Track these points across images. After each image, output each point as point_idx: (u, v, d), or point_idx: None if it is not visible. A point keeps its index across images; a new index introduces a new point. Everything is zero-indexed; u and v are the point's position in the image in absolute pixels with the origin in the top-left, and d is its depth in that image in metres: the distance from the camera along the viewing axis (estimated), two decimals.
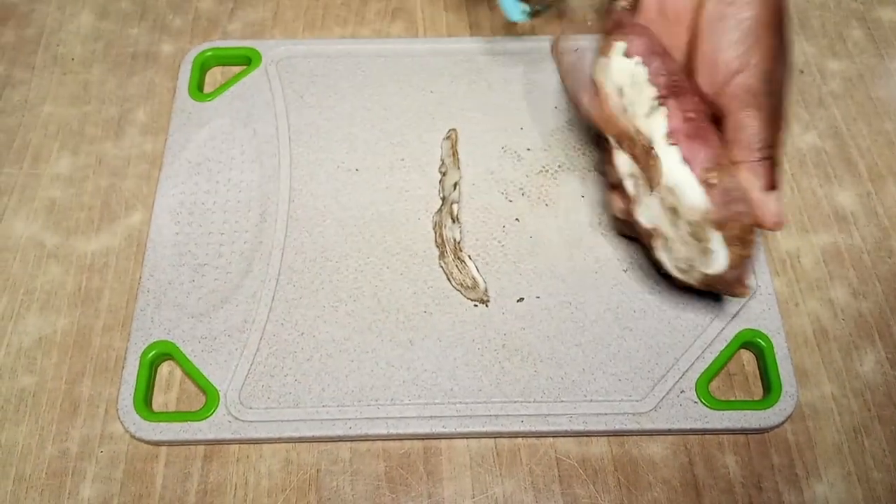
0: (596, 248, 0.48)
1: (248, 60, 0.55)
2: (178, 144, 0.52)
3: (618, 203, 0.44)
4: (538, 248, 0.48)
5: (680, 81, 0.40)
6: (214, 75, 0.56)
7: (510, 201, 0.49)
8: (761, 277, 0.46)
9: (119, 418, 0.43)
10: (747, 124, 0.39)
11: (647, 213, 0.42)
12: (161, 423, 0.42)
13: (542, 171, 0.50)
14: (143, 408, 0.43)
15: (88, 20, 0.58)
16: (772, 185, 0.39)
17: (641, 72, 0.40)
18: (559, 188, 0.50)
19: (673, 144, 0.39)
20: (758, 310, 0.45)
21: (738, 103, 0.39)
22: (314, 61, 0.55)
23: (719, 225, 0.39)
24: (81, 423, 0.43)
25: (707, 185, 0.39)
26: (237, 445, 0.43)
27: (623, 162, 0.42)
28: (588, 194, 0.50)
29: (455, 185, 0.49)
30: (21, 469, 0.42)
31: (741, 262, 0.40)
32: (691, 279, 0.42)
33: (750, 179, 0.39)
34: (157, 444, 0.42)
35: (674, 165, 0.39)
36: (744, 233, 0.39)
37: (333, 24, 0.58)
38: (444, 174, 0.50)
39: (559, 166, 0.51)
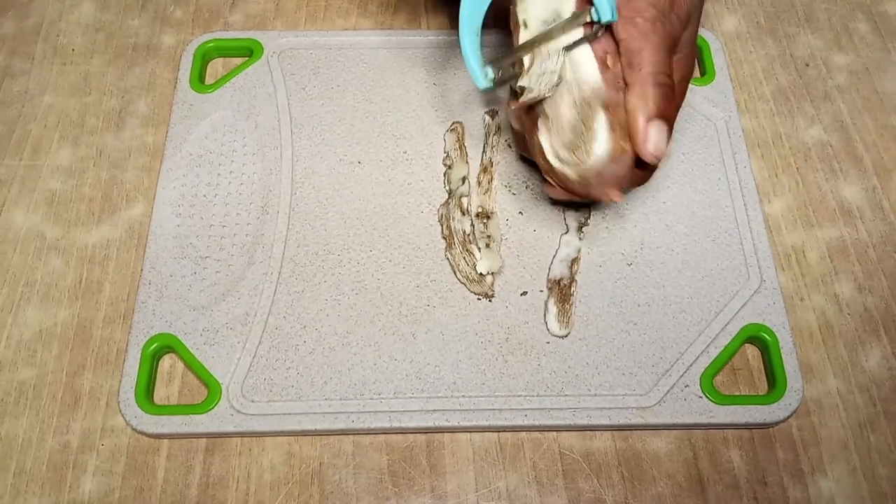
0: (600, 242, 0.47)
1: (249, 52, 0.55)
2: (180, 136, 0.51)
3: (514, 117, 0.44)
4: (542, 242, 0.47)
5: None
6: (216, 67, 0.55)
7: (514, 195, 0.49)
8: (766, 272, 0.46)
9: (120, 411, 0.42)
10: (641, 48, 0.39)
11: (537, 82, 0.40)
12: (162, 416, 0.42)
13: None
14: (145, 401, 0.42)
15: (89, 11, 0.58)
16: (658, 114, 0.39)
17: None
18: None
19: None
20: (763, 304, 0.45)
21: (632, 28, 0.39)
22: (316, 53, 0.55)
23: (606, 105, 0.39)
24: (82, 416, 0.43)
25: (603, 64, 0.39)
26: (239, 439, 0.42)
27: (524, 38, 0.42)
28: None
29: (463, 178, 0.49)
30: (21, 462, 0.42)
31: (620, 156, 0.40)
32: (569, 170, 0.41)
33: (636, 104, 0.39)
34: (159, 437, 0.42)
35: (575, 37, 0.40)
36: (629, 126, 0.39)
37: (335, 15, 0.57)
38: (448, 167, 0.50)
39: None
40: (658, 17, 0.39)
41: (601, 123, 0.39)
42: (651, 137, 0.39)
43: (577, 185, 0.41)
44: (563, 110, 0.40)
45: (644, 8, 0.39)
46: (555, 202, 0.49)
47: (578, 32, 0.40)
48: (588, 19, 0.40)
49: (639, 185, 0.43)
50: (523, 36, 0.41)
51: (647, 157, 0.40)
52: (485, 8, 0.43)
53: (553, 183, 0.43)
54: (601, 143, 0.40)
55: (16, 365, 0.44)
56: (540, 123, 0.41)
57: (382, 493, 0.41)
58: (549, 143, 0.41)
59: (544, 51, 0.40)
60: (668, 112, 0.40)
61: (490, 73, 0.42)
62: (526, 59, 0.41)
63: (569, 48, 0.40)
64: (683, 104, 0.43)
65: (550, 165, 0.41)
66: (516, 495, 0.41)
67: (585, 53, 0.40)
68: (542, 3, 0.41)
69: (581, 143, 0.40)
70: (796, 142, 0.52)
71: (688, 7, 0.41)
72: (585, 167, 0.40)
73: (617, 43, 0.40)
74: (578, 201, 0.46)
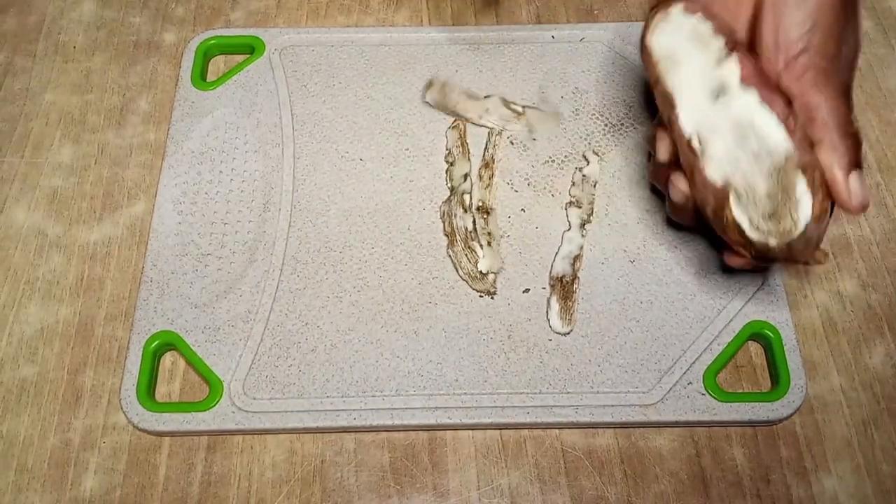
0: (603, 239, 0.47)
1: (251, 49, 0.55)
2: (181, 133, 0.51)
3: (680, 183, 0.41)
4: (544, 239, 0.47)
5: (742, 40, 0.39)
6: (217, 64, 0.55)
7: (516, 192, 0.49)
8: (770, 269, 0.46)
9: (122, 409, 0.42)
10: (820, 102, 0.38)
11: (719, 168, 0.39)
12: (164, 414, 0.42)
13: (548, 162, 0.50)
14: (146, 398, 0.42)
15: (90, 8, 0.58)
16: (855, 163, 0.38)
17: (705, 27, 0.39)
18: (565, 178, 0.49)
19: (749, 86, 0.38)
20: (766, 301, 0.45)
21: (806, 82, 0.38)
22: (318, 50, 0.55)
23: (803, 167, 0.37)
24: (84, 414, 0.43)
25: (788, 128, 0.38)
26: (241, 436, 0.42)
27: (687, 117, 0.40)
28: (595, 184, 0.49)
29: (465, 175, 0.49)
30: (23, 460, 0.42)
31: (824, 214, 0.38)
32: (772, 240, 0.39)
33: (831, 159, 0.38)
34: (160, 434, 0.42)
35: (753, 107, 0.38)
36: (829, 182, 0.38)
37: (337, 12, 0.57)
38: (451, 164, 0.50)
39: (565, 157, 0.50)
40: (829, 67, 0.38)
41: (802, 189, 0.38)
42: (853, 189, 0.38)
43: (778, 253, 0.40)
44: (757, 181, 0.39)
45: (814, 61, 0.38)
46: (728, 269, 0.46)
47: (733, 70, 0.39)
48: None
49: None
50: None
51: (854, 211, 0.39)
52: None
53: (744, 254, 0.40)
54: (806, 208, 0.38)
55: (17, 363, 0.44)
56: (732, 199, 0.39)
57: (384, 491, 0.41)
58: (748, 216, 0.39)
59: (710, 150, 0.39)
60: (860, 160, 0.39)
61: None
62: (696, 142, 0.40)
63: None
64: None
65: (749, 239, 0.39)
66: (518, 493, 0.41)
67: (766, 119, 0.38)
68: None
69: (786, 212, 0.38)
70: None
71: (853, 51, 0.40)
72: (793, 236, 0.39)
73: (787, 101, 0.39)
74: (763, 266, 0.45)
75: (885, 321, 0.46)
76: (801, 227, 0.38)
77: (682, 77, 0.40)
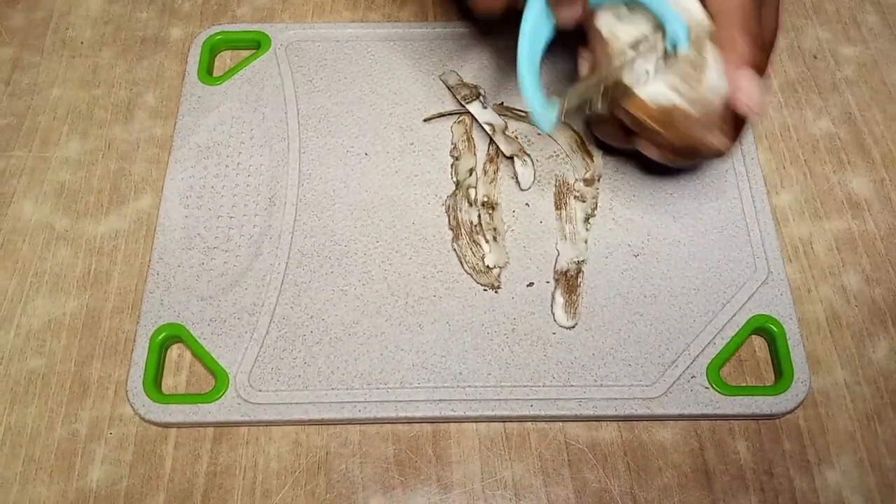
0: (607, 233, 0.47)
1: (257, 44, 0.55)
2: (188, 128, 0.51)
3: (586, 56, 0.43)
4: (548, 233, 0.47)
5: None
6: (224, 59, 0.56)
7: (521, 186, 0.49)
8: (773, 263, 0.46)
9: (128, 400, 0.43)
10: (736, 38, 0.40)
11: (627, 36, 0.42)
12: (170, 406, 0.42)
13: (552, 156, 0.50)
14: (153, 390, 0.43)
15: (98, 4, 0.58)
16: (747, 62, 0.39)
17: None
18: (569, 172, 0.49)
19: None
20: (770, 296, 0.45)
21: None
22: (324, 45, 0.55)
23: (713, 37, 0.40)
24: (90, 405, 0.43)
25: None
26: (246, 428, 0.43)
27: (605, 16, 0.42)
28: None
29: (471, 170, 0.49)
30: (30, 451, 0.42)
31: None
32: (678, 100, 0.41)
33: (729, 55, 0.39)
34: (167, 426, 0.42)
35: None
36: None
37: (343, 8, 0.58)
38: (456, 158, 0.50)
39: (569, 151, 0.50)
40: None
41: (711, 53, 0.40)
42: (742, 86, 0.39)
43: (682, 123, 0.41)
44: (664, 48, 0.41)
45: None
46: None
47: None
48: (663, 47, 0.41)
49: (724, 152, 0.43)
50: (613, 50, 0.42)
51: (741, 108, 0.39)
52: (544, 44, 0.42)
53: (654, 132, 0.42)
54: (712, 70, 0.40)
55: (25, 355, 0.45)
56: (644, 58, 0.41)
57: (388, 483, 0.41)
58: (662, 77, 0.41)
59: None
60: (758, 61, 0.40)
61: (554, 115, 0.42)
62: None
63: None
64: None
65: (658, 107, 0.41)
66: (522, 485, 0.41)
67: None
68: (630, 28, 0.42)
69: (694, 72, 0.40)
70: (804, 134, 0.52)
71: None
72: (697, 94, 0.40)
73: None
74: (674, 164, 0.46)
75: (889, 316, 0.46)
76: (705, 86, 0.40)
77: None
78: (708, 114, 0.41)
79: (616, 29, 0.42)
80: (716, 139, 0.42)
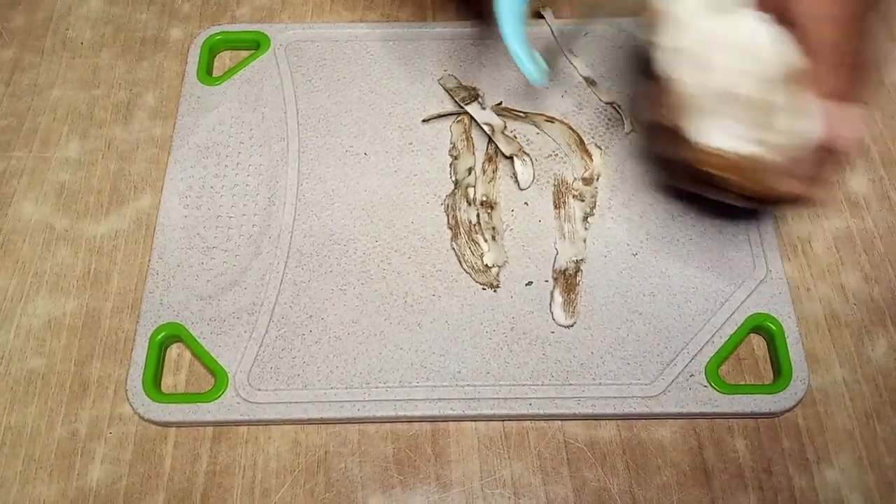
0: (605, 232, 0.47)
1: (256, 44, 0.55)
2: (187, 128, 0.51)
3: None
4: (547, 233, 0.47)
5: None
6: (223, 59, 0.56)
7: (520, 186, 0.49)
8: (772, 262, 0.46)
9: (128, 400, 0.43)
10: (823, 22, 0.35)
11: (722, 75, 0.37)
12: (170, 405, 0.42)
13: (550, 156, 0.50)
14: (152, 389, 0.43)
15: (98, 4, 0.58)
16: (846, 96, 0.35)
17: None
18: (568, 172, 0.49)
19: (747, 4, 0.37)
20: (768, 294, 0.45)
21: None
22: (323, 45, 0.55)
23: (800, 79, 0.36)
24: (90, 405, 0.43)
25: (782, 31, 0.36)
26: (246, 427, 0.43)
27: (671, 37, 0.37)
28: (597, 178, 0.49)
29: (469, 169, 0.49)
30: (30, 450, 0.42)
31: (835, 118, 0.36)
32: (763, 151, 0.36)
33: (822, 90, 0.35)
34: (166, 425, 0.43)
35: (752, 23, 0.36)
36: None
37: (342, 8, 0.58)
38: (455, 158, 0.50)
39: (568, 150, 0.50)
40: None
41: (793, 95, 0.35)
42: (842, 123, 0.36)
43: (761, 173, 0.37)
44: (742, 89, 0.36)
45: None
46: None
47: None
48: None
49: (808, 197, 0.38)
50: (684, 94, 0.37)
51: (840, 144, 0.36)
52: None
53: (719, 178, 0.38)
54: (795, 113, 0.35)
55: (25, 354, 0.45)
56: (730, 108, 0.37)
57: (388, 482, 0.41)
58: (731, 127, 0.36)
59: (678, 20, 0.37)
60: (857, 94, 0.36)
61: (543, 63, 0.38)
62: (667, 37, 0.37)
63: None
64: None
65: (730, 154, 0.36)
66: (521, 484, 0.41)
67: (755, 24, 0.36)
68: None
69: (779, 120, 0.36)
70: None
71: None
72: (788, 146, 0.36)
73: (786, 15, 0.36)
74: (741, 205, 0.42)
75: (887, 314, 0.46)
76: (796, 135, 0.35)
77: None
78: (790, 160, 0.37)
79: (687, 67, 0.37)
80: (794, 186, 0.37)
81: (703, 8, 0.38)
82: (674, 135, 0.39)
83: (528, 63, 0.39)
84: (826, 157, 0.37)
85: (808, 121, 0.36)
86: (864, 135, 0.37)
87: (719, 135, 0.37)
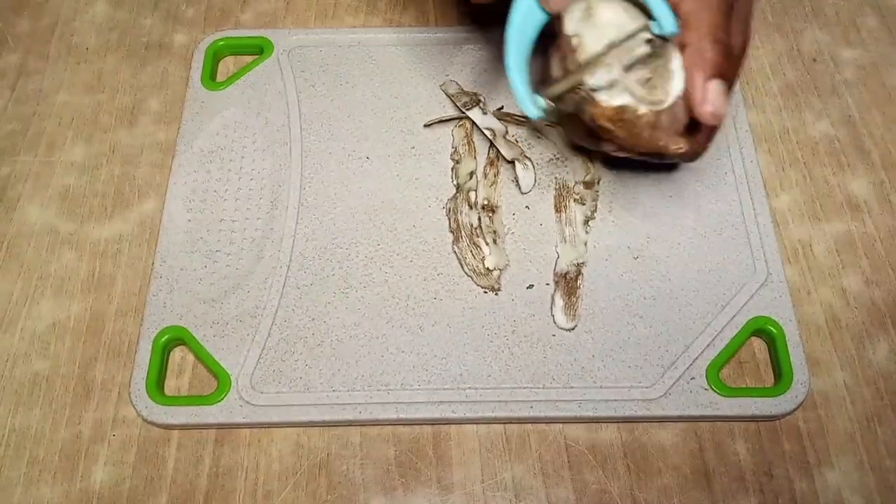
0: (606, 236, 0.48)
1: (260, 50, 0.56)
2: (191, 133, 0.52)
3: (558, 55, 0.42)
4: (548, 236, 0.48)
5: None
6: (227, 64, 0.56)
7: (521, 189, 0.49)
8: (773, 265, 0.46)
9: (131, 402, 0.43)
10: (698, 8, 0.39)
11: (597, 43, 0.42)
12: (173, 407, 0.43)
13: (552, 160, 0.50)
14: (156, 392, 0.43)
15: (102, 10, 0.59)
16: (716, 73, 0.39)
17: None
18: (569, 176, 0.50)
19: None
20: (769, 297, 0.45)
21: None
22: (326, 51, 0.55)
23: (681, 45, 0.40)
24: (94, 407, 0.43)
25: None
26: (248, 429, 0.43)
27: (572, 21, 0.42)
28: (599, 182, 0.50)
29: (471, 173, 0.49)
30: (34, 452, 0.42)
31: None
32: (643, 107, 0.41)
33: (693, 61, 0.39)
34: (169, 427, 0.43)
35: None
36: (687, 85, 0.40)
37: (345, 13, 0.58)
38: (457, 162, 0.50)
39: (569, 154, 0.50)
40: None
41: (677, 63, 0.40)
42: (709, 97, 0.39)
43: (645, 130, 0.41)
44: (638, 51, 0.41)
45: None
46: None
47: (641, 46, 0.41)
48: (649, 35, 0.40)
49: (692, 156, 0.42)
50: (581, 54, 0.41)
51: (706, 118, 0.39)
52: (535, 33, 0.42)
53: (614, 134, 0.41)
54: (678, 82, 0.40)
55: (29, 357, 0.45)
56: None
57: (389, 484, 0.41)
58: (617, 83, 0.41)
59: (609, 64, 0.41)
60: (727, 71, 0.39)
61: (541, 101, 0.42)
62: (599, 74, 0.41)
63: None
64: None
65: (621, 108, 0.40)
66: (522, 486, 0.41)
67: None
68: (605, 24, 0.42)
69: (658, 82, 0.40)
70: (803, 136, 0.52)
71: None
72: (663, 106, 0.40)
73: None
74: (636, 158, 0.45)
75: (888, 318, 0.46)
76: (671, 99, 0.40)
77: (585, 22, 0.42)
78: (673, 120, 0.41)
79: (584, 31, 0.42)
80: (680, 145, 0.42)
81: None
82: (573, 92, 0.42)
83: (526, 97, 0.42)
84: (697, 125, 0.41)
85: (679, 85, 0.40)
86: (724, 110, 0.40)
87: (609, 90, 0.41)
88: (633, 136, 0.41)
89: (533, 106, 0.42)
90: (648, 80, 0.41)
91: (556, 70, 0.43)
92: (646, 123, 0.41)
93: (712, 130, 0.42)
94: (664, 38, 0.41)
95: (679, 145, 0.41)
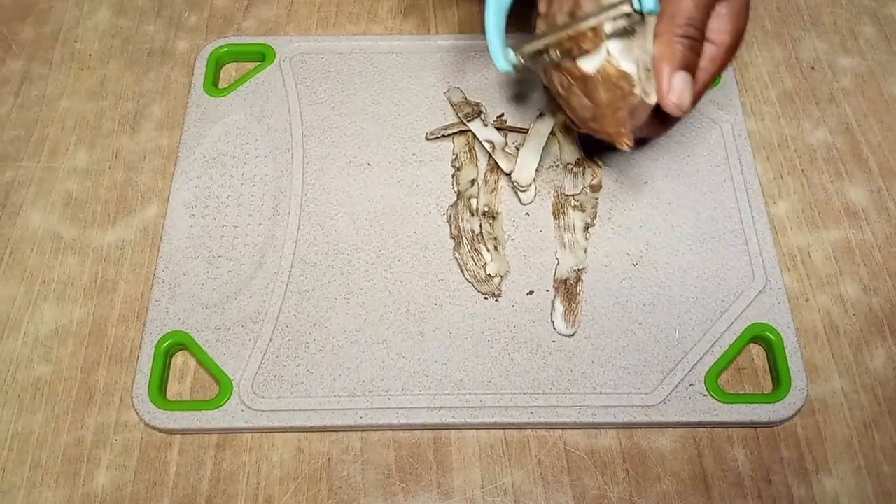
0: (606, 242, 0.48)
1: (262, 57, 0.56)
2: (193, 139, 0.52)
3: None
4: (548, 243, 0.48)
5: None
6: (229, 71, 0.57)
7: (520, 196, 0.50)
8: (771, 272, 0.46)
9: (134, 407, 0.43)
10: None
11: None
12: (175, 412, 0.43)
13: (552, 166, 0.51)
14: (158, 396, 0.43)
15: (106, 17, 0.59)
16: (682, 65, 0.40)
17: None
18: (569, 182, 0.50)
19: None
20: (768, 304, 0.45)
21: None
22: (327, 58, 0.56)
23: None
24: (96, 412, 0.44)
25: None
26: (250, 434, 0.43)
27: None
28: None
29: (472, 180, 0.50)
30: (37, 456, 0.42)
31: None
32: (638, 89, 0.41)
33: (661, 53, 0.40)
34: (171, 432, 0.43)
35: None
36: (655, 74, 0.41)
37: (346, 21, 0.58)
38: (458, 169, 0.51)
39: (569, 161, 0.51)
40: None
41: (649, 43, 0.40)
42: (674, 87, 0.40)
43: (622, 110, 0.41)
44: (636, 54, 0.41)
45: None
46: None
47: (621, 19, 0.41)
48: (629, 10, 0.40)
49: (656, 135, 0.44)
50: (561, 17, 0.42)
51: (670, 108, 0.40)
52: None
53: (575, 96, 0.42)
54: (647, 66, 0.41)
55: (32, 362, 0.45)
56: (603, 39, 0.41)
57: (390, 489, 0.42)
58: (635, 56, 0.41)
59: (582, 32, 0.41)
60: (693, 64, 0.40)
61: (511, 56, 0.43)
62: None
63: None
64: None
65: (625, 74, 0.41)
66: (522, 492, 0.41)
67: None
68: None
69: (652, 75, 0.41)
70: (802, 144, 0.52)
71: None
72: (649, 99, 0.41)
73: None
74: (584, 132, 0.46)
75: (886, 324, 0.46)
76: (652, 99, 0.41)
77: None
78: (641, 115, 0.42)
79: None
80: (630, 142, 0.42)
81: None
82: (555, 65, 0.43)
83: (498, 50, 0.43)
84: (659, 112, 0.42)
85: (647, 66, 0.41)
86: (688, 102, 0.41)
87: (584, 57, 0.41)
88: (605, 109, 0.42)
89: (503, 59, 0.43)
90: (648, 71, 0.41)
91: (539, 26, 0.44)
92: (626, 103, 0.41)
93: (672, 122, 0.44)
94: (642, 15, 0.40)
95: (629, 141, 0.42)
